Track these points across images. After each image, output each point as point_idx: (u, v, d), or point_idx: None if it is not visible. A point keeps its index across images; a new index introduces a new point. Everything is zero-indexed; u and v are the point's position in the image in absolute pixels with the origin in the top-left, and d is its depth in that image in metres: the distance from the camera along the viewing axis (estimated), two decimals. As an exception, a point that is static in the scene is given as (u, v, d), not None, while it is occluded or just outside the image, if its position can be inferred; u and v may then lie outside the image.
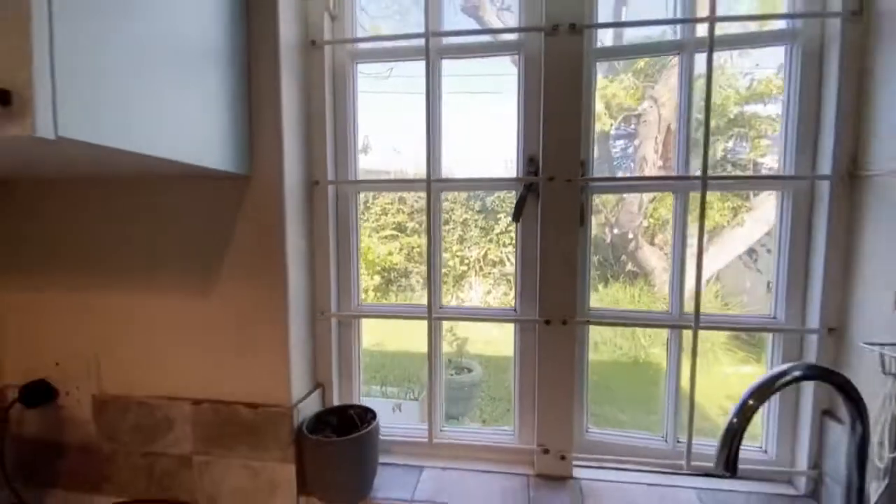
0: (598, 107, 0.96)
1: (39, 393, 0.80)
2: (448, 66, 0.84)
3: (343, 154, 0.87)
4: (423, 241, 1.01)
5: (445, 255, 1.38)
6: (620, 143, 2.33)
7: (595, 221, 1.03)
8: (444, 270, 0.93)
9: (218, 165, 0.66)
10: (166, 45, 0.57)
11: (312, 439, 0.73)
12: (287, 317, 0.76)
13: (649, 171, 2.41)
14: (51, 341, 0.82)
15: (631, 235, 2.26)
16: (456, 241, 1.77)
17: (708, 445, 0.80)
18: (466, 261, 1.73)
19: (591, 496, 0.77)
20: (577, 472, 0.82)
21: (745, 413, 0.49)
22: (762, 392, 0.50)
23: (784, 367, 0.52)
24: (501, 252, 1.80)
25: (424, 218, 0.84)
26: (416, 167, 0.94)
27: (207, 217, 0.76)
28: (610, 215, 2.26)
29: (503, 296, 1.77)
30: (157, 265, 0.79)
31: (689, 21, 0.77)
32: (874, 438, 0.60)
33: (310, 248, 0.84)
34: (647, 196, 2.50)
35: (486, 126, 0.83)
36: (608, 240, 2.25)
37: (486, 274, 1.75)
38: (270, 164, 0.75)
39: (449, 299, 1.49)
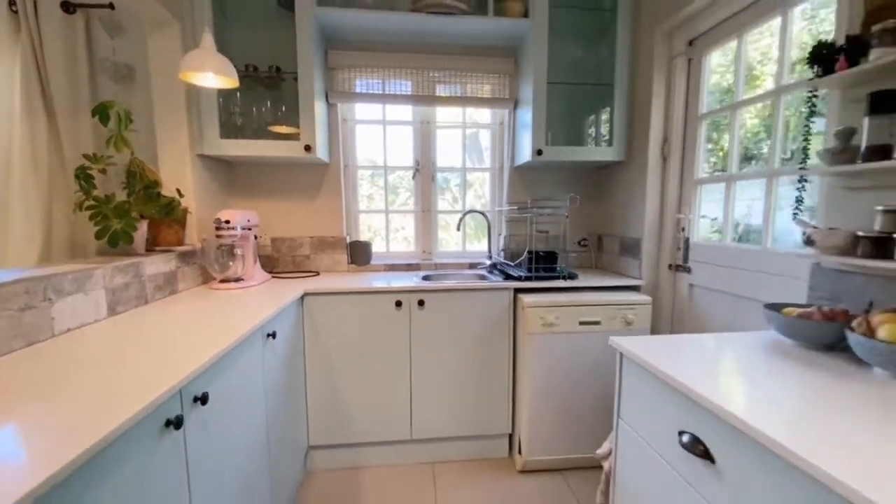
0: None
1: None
2: (390, 127, 2.54)
3: (353, 154, 2.52)
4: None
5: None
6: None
7: (470, 193, 2.79)
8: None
9: (326, 159, 2.29)
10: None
11: (354, 243, 2.41)
12: (341, 211, 2.42)
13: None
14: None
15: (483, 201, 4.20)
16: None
17: (476, 251, 2.67)
18: (373, 228, 2.64)
19: (437, 261, 2.56)
20: (434, 258, 2.61)
21: (462, 218, 2.32)
22: (465, 215, 2.33)
23: (470, 209, 2.36)
24: (402, 219, 2.66)
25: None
26: (375, 161, 2.61)
27: (313, 176, 2.37)
28: (479, 189, 3.68)
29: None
30: (293, 193, 2.37)
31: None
32: (501, 232, 2.50)
33: (345, 188, 2.48)
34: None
35: (401, 146, 2.53)
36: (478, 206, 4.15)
37: (392, 239, 2.64)
38: (335, 157, 2.38)
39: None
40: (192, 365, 0.92)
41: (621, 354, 1.13)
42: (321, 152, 2.13)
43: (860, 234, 1.02)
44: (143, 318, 1.37)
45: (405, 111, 2.53)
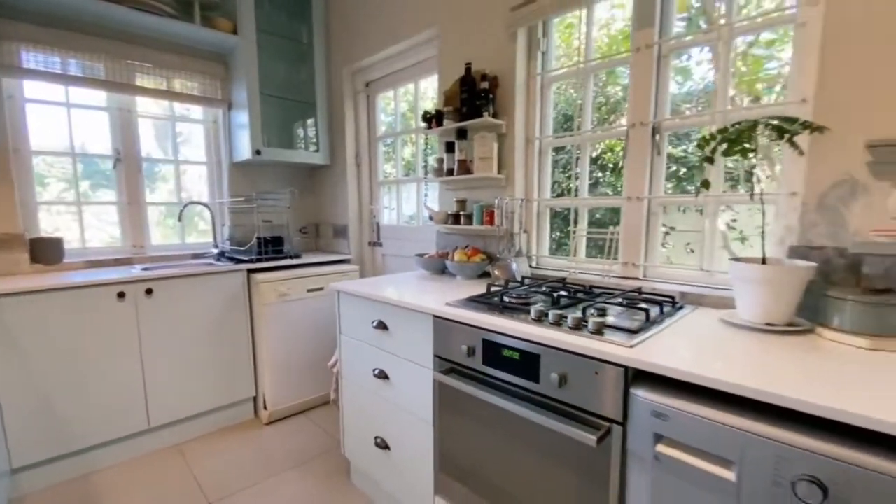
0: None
1: None
2: (83, 112, 2.29)
3: (25, 137, 2.14)
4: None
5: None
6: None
7: (164, 187, 2.69)
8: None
9: (-14, 142, 1.91)
10: None
11: (37, 240, 2.08)
12: (15, 203, 2.04)
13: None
14: None
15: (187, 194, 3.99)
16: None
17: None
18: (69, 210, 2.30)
19: (152, 254, 2.52)
20: (148, 251, 2.54)
21: (182, 210, 2.41)
22: (186, 207, 2.43)
23: (191, 201, 2.48)
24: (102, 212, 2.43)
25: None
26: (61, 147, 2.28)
27: (-37, 161, 1.91)
28: (180, 182, 3.48)
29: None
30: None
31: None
32: (224, 223, 2.70)
33: (18, 177, 2.09)
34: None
35: (100, 139, 2.30)
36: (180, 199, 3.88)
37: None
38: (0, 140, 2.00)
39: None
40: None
41: (339, 292, 1.75)
42: (-19, 133, 1.80)
43: (449, 212, 2.00)
44: None
45: (99, 96, 2.34)
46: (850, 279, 1.08)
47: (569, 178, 1.83)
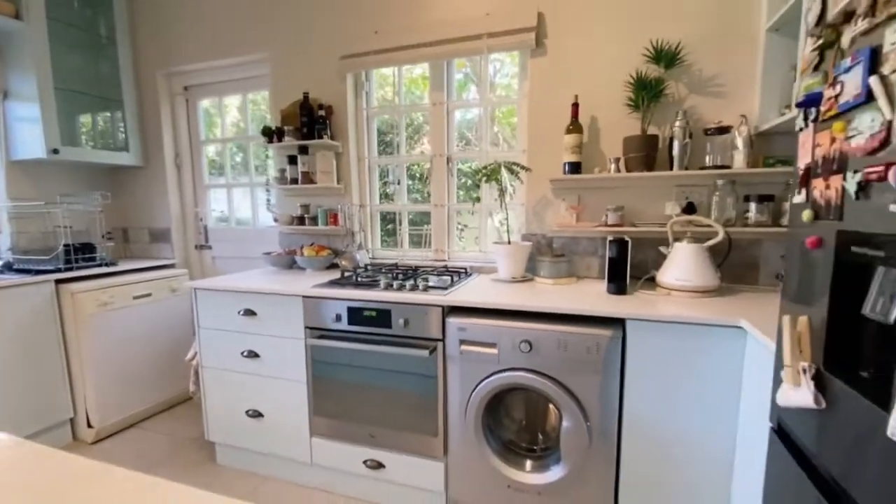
0: None
1: None
2: None
3: None
4: None
5: None
6: None
7: None
8: None
9: None
10: None
11: None
12: None
13: None
14: None
15: None
16: None
17: None
18: None
19: None
20: None
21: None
22: (-47, 210, 2.04)
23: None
24: None
25: None
26: None
27: None
28: None
29: None
30: None
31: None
32: (1, 231, 2.31)
33: None
34: None
35: None
36: None
37: None
38: None
39: None
40: None
41: (195, 289, 1.91)
42: None
43: (294, 215, 2.34)
44: None
45: None
46: (548, 250, 2.00)
47: (388, 185, 2.42)
